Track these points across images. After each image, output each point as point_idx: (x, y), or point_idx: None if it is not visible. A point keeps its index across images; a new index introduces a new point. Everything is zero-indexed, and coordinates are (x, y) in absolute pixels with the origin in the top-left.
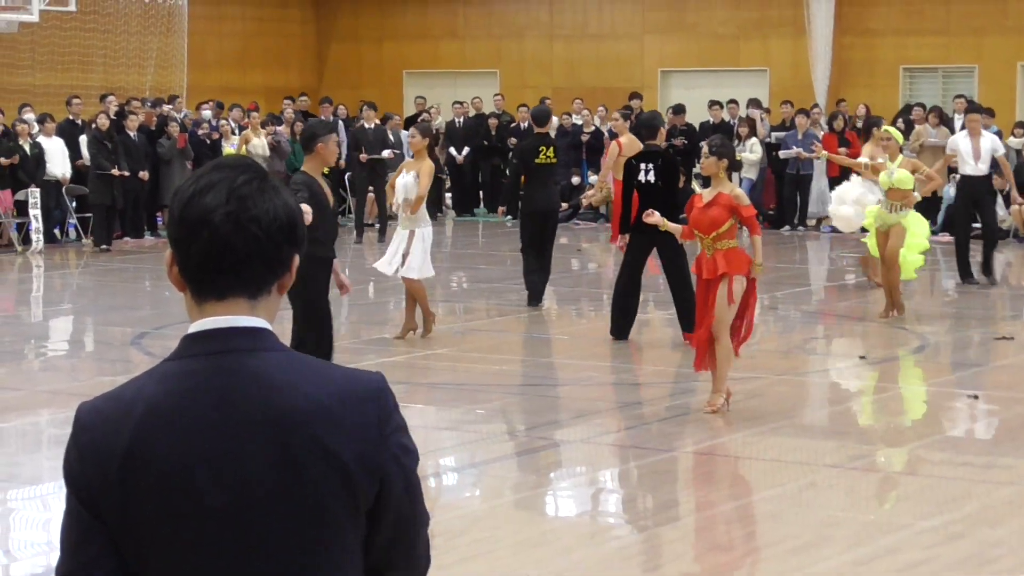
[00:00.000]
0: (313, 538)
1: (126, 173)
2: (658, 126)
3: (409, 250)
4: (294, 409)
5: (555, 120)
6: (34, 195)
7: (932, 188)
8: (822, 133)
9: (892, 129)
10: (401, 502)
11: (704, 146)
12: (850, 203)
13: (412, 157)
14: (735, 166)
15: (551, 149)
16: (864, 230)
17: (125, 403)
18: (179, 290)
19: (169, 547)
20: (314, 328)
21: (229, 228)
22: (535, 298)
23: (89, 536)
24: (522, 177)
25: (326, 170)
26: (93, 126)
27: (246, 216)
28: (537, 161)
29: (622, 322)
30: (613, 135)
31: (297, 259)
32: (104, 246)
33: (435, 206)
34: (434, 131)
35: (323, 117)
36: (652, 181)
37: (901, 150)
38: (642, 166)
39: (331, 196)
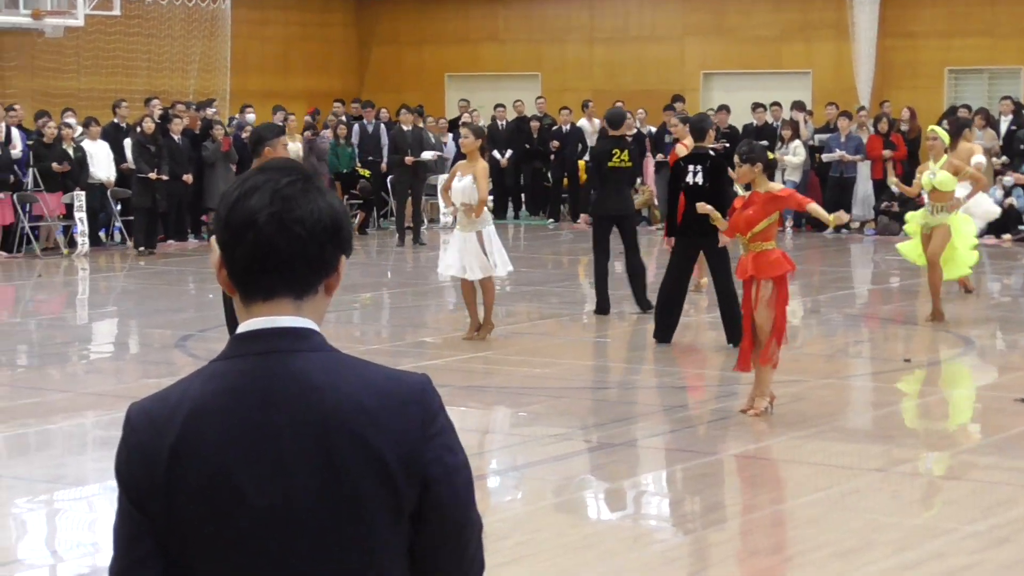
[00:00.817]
0: (355, 540)
1: (164, 176)
2: (707, 128)
3: (486, 251)
4: (336, 410)
5: (630, 120)
6: (79, 199)
7: (978, 191)
8: (867, 136)
9: (939, 129)
10: (446, 506)
11: (735, 156)
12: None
13: (464, 159)
14: (772, 166)
15: (625, 152)
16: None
17: (172, 404)
18: (229, 293)
19: (213, 547)
20: (230, 324)
21: (273, 229)
22: (603, 307)
23: (140, 535)
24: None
25: (367, 173)
26: (138, 129)
27: (290, 217)
28: (611, 164)
29: (665, 325)
30: (673, 141)
31: (344, 261)
32: (146, 249)
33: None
34: (486, 131)
35: (364, 121)
36: (700, 183)
37: (946, 151)
38: (690, 168)
39: None
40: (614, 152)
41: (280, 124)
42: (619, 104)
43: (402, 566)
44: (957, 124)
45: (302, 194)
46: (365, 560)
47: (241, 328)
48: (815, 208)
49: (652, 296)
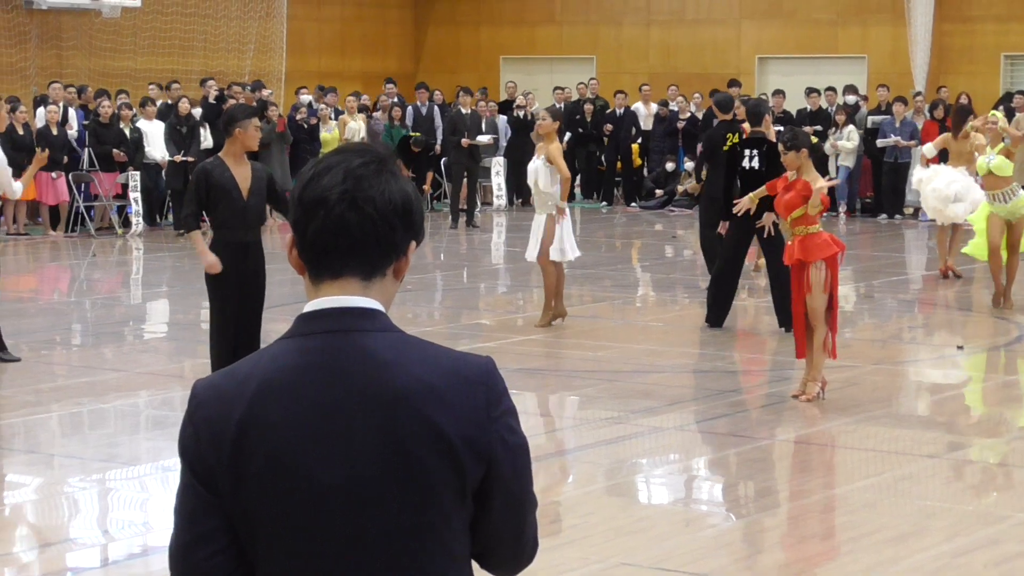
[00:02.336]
0: (420, 517)
1: (190, 159)
2: (763, 113)
3: (552, 235)
4: (403, 389)
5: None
6: (134, 179)
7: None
8: (923, 121)
9: (999, 113)
10: (509, 485)
11: (779, 145)
12: (955, 199)
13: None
14: (816, 150)
15: (737, 136)
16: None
17: (239, 380)
18: (299, 273)
19: (279, 524)
20: (213, 305)
21: (344, 207)
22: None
23: (204, 510)
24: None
25: (416, 134)
26: (173, 111)
27: (362, 196)
28: (725, 148)
29: (717, 309)
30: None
31: (414, 246)
32: (185, 231)
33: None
34: (560, 113)
35: (418, 102)
36: (757, 167)
37: (1003, 138)
38: (747, 152)
39: (246, 179)
40: (728, 136)
41: (253, 106)
42: (674, 97)
43: (464, 543)
44: (960, 112)
45: (375, 175)
46: (429, 537)
47: (308, 307)
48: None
49: (699, 279)
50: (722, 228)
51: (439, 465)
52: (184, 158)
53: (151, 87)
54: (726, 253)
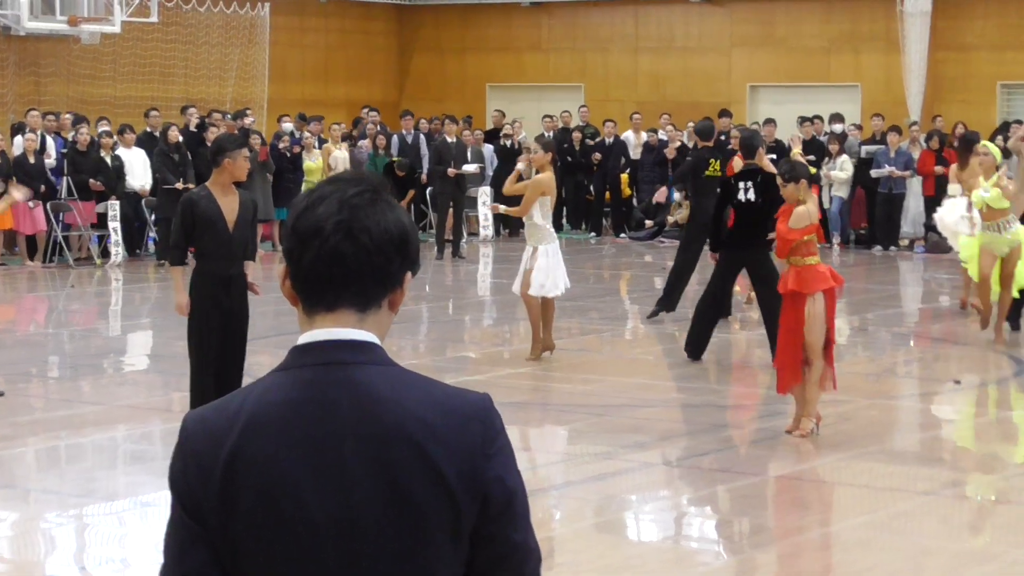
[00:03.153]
0: (414, 556)
1: (190, 186)
2: (756, 145)
3: (532, 267)
4: (398, 424)
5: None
6: (114, 208)
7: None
8: (919, 151)
9: (991, 144)
10: (503, 525)
11: (778, 178)
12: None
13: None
14: (815, 180)
15: (718, 162)
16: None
17: (230, 413)
18: (292, 304)
19: (269, 559)
20: (191, 341)
21: (339, 237)
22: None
23: (193, 545)
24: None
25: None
26: (162, 139)
27: (357, 226)
28: (707, 174)
29: (697, 341)
30: (731, 153)
31: (409, 277)
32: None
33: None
34: (553, 145)
35: (403, 131)
36: (752, 199)
37: (998, 168)
38: (741, 185)
39: (233, 211)
40: (710, 161)
41: (242, 136)
42: (665, 125)
43: None
44: (965, 142)
45: (370, 204)
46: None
47: (302, 339)
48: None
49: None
50: (712, 259)
51: (434, 502)
52: (184, 186)
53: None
54: (711, 284)
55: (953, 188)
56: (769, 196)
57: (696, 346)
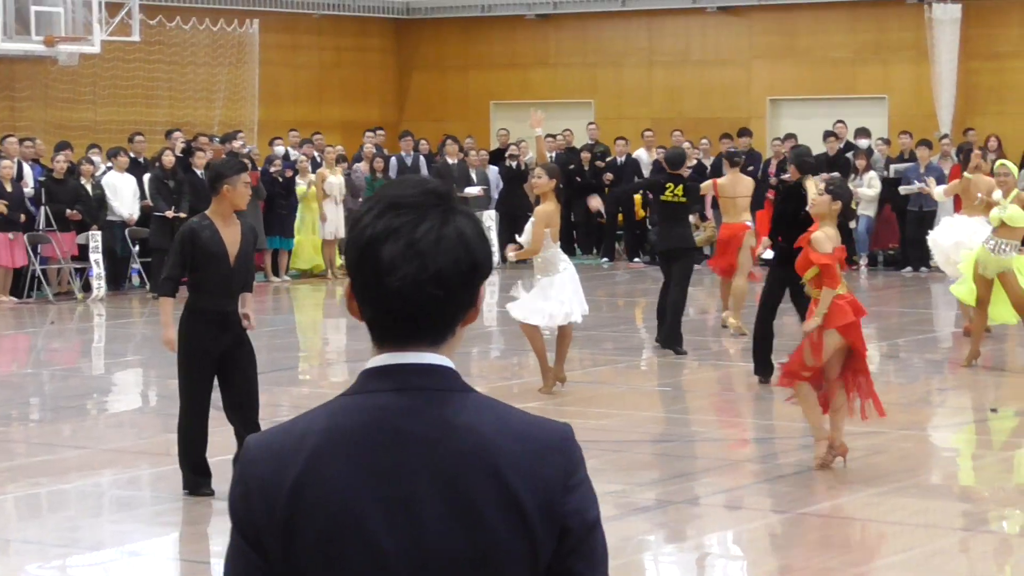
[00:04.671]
0: None
1: (183, 215)
2: (810, 163)
3: (544, 295)
4: (475, 453)
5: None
6: (95, 239)
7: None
8: (950, 165)
9: (1009, 163)
10: (578, 561)
11: (821, 183)
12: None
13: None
14: (848, 214)
15: (680, 187)
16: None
17: (295, 436)
18: (356, 319)
19: None
20: (181, 382)
21: (407, 292)
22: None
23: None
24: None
25: None
26: (156, 164)
27: (425, 277)
28: (663, 198)
29: (762, 360)
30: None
31: (483, 288)
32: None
33: None
34: (558, 170)
35: (402, 152)
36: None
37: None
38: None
39: (235, 243)
40: (667, 186)
41: (243, 160)
42: (680, 142)
43: None
44: (968, 154)
45: (439, 243)
46: None
47: (373, 362)
48: (826, 295)
49: (708, 339)
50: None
51: (510, 534)
52: (176, 214)
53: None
54: (762, 301)
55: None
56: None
57: (764, 367)
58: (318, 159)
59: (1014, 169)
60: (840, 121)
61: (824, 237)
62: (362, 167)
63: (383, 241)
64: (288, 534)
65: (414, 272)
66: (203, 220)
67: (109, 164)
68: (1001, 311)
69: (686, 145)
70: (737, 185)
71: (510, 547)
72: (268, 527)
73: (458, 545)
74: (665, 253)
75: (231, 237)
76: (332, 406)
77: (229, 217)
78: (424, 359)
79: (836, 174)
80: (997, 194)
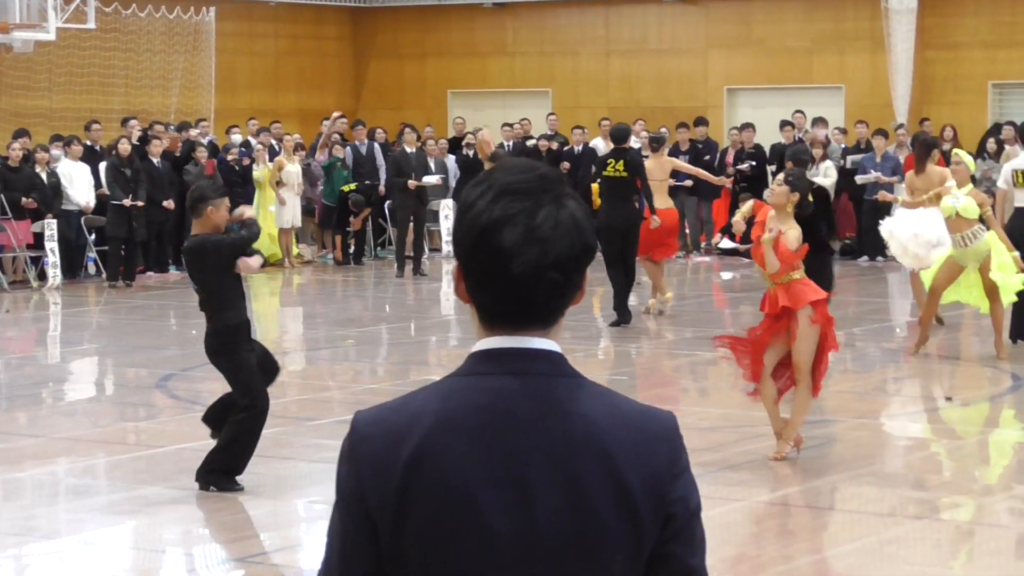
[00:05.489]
0: (595, 571)
1: (139, 203)
2: (807, 160)
3: None
4: (587, 439)
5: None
6: (50, 227)
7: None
8: (905, 155)
9: (963, 153)
10: (680, 546)
11: (780, 174)
12: (938, 243)
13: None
14: (805, 205)
15: (620, 162)
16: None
17: (408, 415)
18: (464, 302)
19: (442, 571)
20: (245, 394)
21: (529, 278)
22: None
23: (361, 555)
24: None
25: (353, 186)
26: (113, 152)
27: (546, 262)
28: (605, 173)
29: None
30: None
31: (587, 273)
32: (117, 282)
33: None
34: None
35: (356, 142)
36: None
37: (973, 178)
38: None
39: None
40: (608, 161)
41: (220, 185)
42: (641, 121)
43: None
44: (924, 145)
45: (555, 229)
46: None
47: (484, 344)
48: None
49: (663, 328)
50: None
51: (618, 520)
52: (133, 203)
53: (94, 127)
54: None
55: (904, 195)
56: (819, 207)
57: None
58: (276, 147)
59: (967, 159)
60: (799, 111)
61: (796, 236)
62: (318, 159)
63: (502, 227)
64: (401, 512)
65: (535, 258)
66: (200, 237)
67: (60, 153)
68: (969, 294)
69: (644, 135)
70: (661, 169)
71: (617, 531)
72: (380, 504)
73: (567, 528)
74: (607, 230)
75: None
76: (444, 387)
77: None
78: (537, 344)
79: (802, 169)
80: (950, 183)
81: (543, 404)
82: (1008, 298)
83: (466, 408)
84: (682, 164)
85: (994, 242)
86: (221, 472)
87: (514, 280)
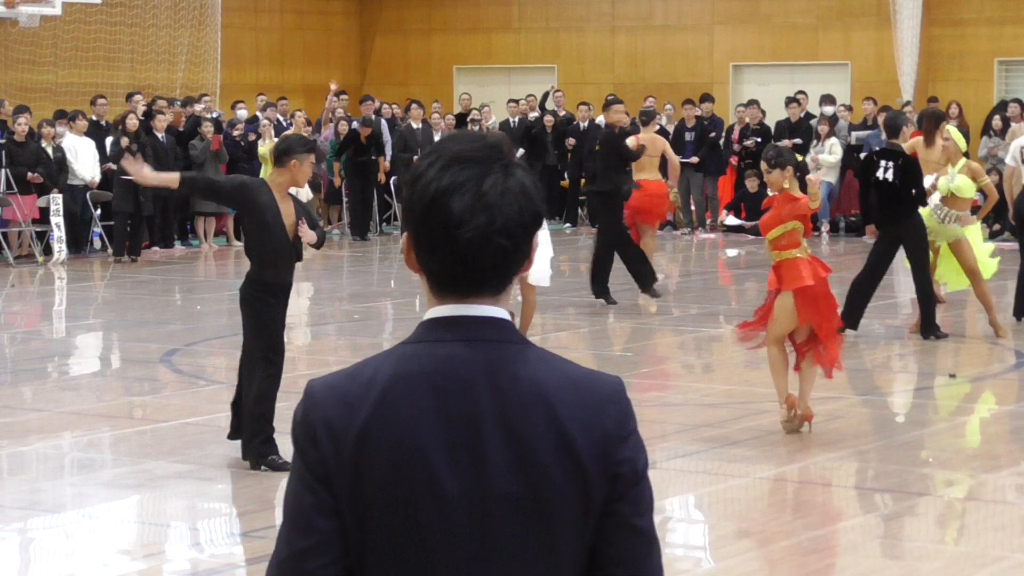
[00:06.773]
0: (542, 534)
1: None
2: (901, 125)
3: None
4: (536, 402)
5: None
6: (56, 202)
7: (989, 208)
8: (911, 132)
9: (952, 129)
10: (626, 507)
11: (762, 163)
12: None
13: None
14: (802, 169)
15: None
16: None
17: (363, 381)
18: (414, 272)
19: (396, 533)
20: (265, 360)
21: (478, 243)
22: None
23: (320, 513)
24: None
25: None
26: (120, 127)
27: (494, 228)
28: (596, 148)
29: (854, 312)
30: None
31: (537, 240)
32: (123, 257)
33: None
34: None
35: (365, 115)
36: (891, 180)
37: (966, 154)
38: (882, 163)
39: (290, 214)
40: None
41: (311, 140)
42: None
43: (581, 569)
44: (932, 118)
45: (503, 195)
46: (548, 555)
47: (435, 312)
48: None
49: (672, 304)
50: (870, 233)
51: (566, 480)
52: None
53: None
54: (871, 258)
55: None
56: (909, 178)
57: (852, 318)
58: (283, 123)
59: (957, 135)
60: (802, 91)
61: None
62: (325, 135)
63: (451, 194)
64: (356, 475)
65: (484, 224)
66: (262, 183)
67: (64, 129)
68: (952, 278)
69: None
70: (653, 144)
71: (566, 492)
72: (337, 467)
73: (517, 489)
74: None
75: (287, 210)
76: (397, 353)
77: (285, 193)
78: (486, 311)
79: (776, 144)
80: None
81: (493, 369)
82: (988, 272)
83: (418, 374)
84: (666, 146)
85: (973, 235)
86: (271, 441)
87: (463, 246)
